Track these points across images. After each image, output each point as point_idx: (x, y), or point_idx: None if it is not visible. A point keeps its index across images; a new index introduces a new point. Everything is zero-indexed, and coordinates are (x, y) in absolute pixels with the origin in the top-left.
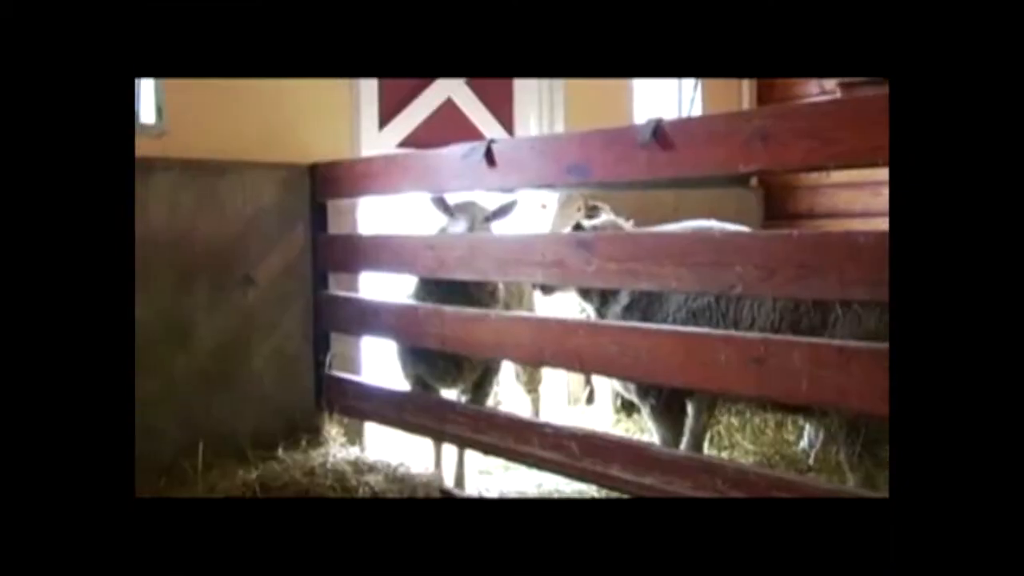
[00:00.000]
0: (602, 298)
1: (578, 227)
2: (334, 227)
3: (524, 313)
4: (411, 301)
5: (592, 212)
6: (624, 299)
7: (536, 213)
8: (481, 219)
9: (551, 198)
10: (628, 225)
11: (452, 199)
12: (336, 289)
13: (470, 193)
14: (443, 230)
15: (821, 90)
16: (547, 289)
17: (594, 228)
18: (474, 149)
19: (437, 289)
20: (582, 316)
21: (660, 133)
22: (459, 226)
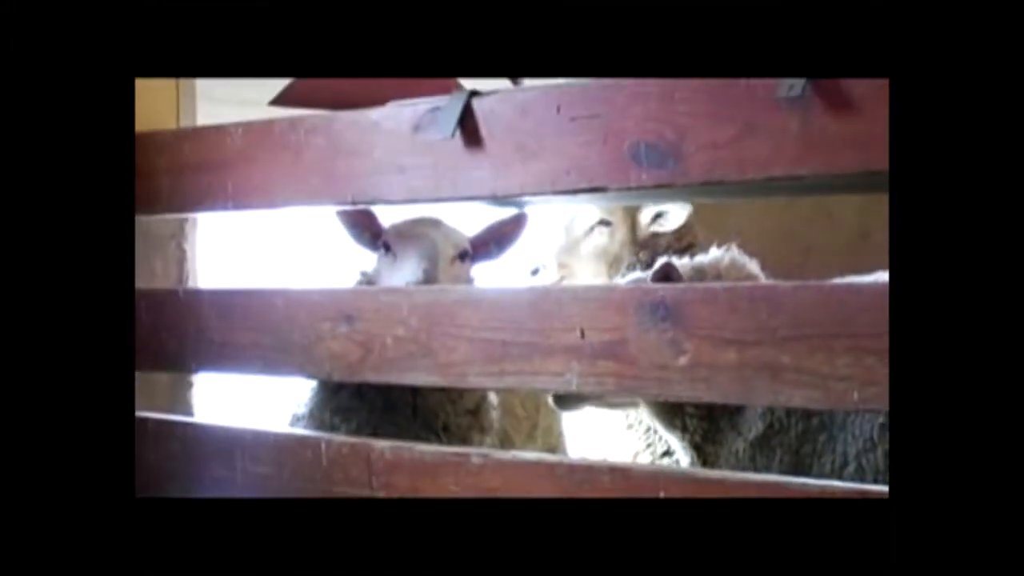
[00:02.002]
0: (707, 422)
1: (665, 275)
2: (143, 275)
3: (539, 455)
4: (303, 430)
5: (682, 244)
6: (754, 425)
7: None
8: (450, 258)
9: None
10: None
11: (390, 218)
12: (147, 407)
13: (428, 207)
14: (369, 280)
15: None
16: (568, 400)
17: (696, 275)
18: (437, 111)
19: (359, 404)
20: (661, 458)
21: (822, 89)
22: (405, 272)
